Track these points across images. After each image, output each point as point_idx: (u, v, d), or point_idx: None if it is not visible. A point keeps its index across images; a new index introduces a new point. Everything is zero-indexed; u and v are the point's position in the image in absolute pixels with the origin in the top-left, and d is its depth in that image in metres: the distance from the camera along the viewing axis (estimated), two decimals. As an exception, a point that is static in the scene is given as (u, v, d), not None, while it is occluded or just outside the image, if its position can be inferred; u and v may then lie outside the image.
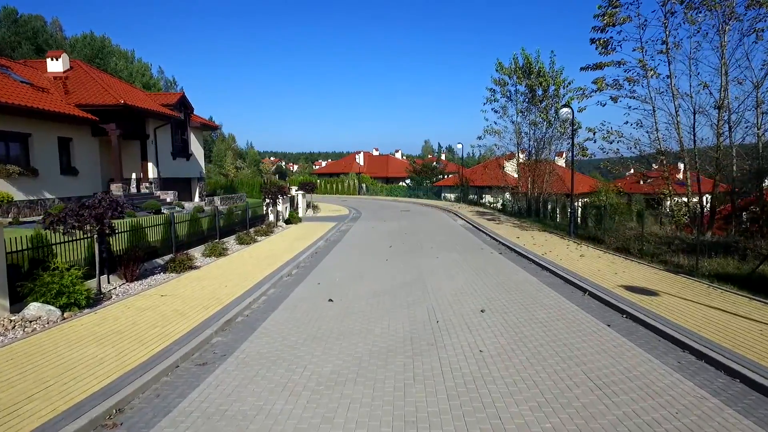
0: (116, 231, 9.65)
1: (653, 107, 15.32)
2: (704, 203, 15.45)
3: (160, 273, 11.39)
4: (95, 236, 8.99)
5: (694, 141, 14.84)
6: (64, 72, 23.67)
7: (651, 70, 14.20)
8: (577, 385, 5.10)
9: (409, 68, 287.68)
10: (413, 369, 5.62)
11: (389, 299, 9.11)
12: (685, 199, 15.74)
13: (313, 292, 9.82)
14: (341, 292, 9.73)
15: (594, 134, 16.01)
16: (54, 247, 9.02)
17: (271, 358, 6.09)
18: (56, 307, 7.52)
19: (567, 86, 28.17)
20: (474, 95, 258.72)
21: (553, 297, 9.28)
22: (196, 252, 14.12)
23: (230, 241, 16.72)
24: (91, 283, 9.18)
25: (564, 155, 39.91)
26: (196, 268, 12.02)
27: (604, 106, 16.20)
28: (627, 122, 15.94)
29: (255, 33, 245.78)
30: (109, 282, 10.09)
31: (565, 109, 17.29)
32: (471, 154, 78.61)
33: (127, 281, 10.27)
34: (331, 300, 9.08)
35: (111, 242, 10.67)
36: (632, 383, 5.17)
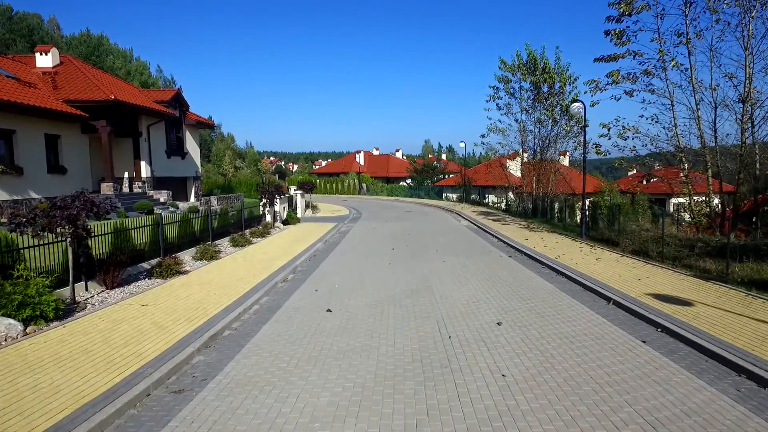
0: (92, 233, 8.78)
1: (671, 101, 14.45)
2: (724, 204, 14.56)
3: (144, 278, 10.52)
4: (68, 239, 8.12)
5: (716, 137, 13.97)
6: (54, 67, 22.78)
7: (672, 60, 13.32)
8: (626, 424, 4.23)
9: (409, 68, 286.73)
10: (426, 400, 4.75)
11: (394, 309, 8.24)
12: (703, 199, 14.86)
13: (310, 301, 8.95)
14: (341, 301, 8.86)
15: (609, 130, 15.14)
16: (24, 251, 8.18)
17: (258, 384, 5.22)
18: (18, 320, 6.65)
19: (573, 82, 27.37)
20: (475, 95, 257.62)
21: (575, 306, 8.41)
22: (186, 255, 13.26)
23: (224, 243, 15.85)
24: (65, 291, 8.33)
25: (567, 154, 39.06)
26: (184, 273, 11.15)
27: (618, 100, 15.31)
28: (642, 116, 15.11)
29: (255, 33, 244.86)
30: (87, 289, 9.22)
31: (576, 104, 16.41)
32: (471, 154, 77.61)
33: (107, 288, 9.39)
34: (329, 310, 8.21)
35: (91, 245, 9.82)
36: (691, 419, 4.30)
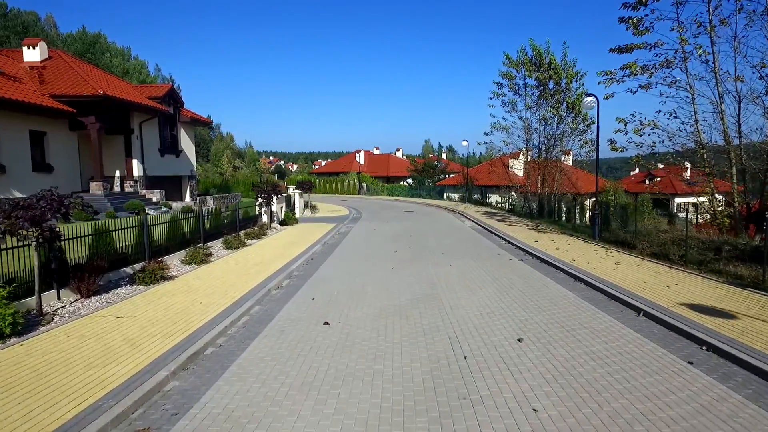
0: (63, 236, 7.88)
1: (692, 95, 13.56)
2: (749, 204, 13.64)
3: (126, 285, 9.64)
4: (33, 243, 7.23)
5: (740, 132, 13.09)
6: (42, 61, 21.88)
7: (699, 48, 12.44)
8: (702, 483, 3.35)
9: (410, 68, 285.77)
10: (444, 445, 3.87)
11: (399, 322, 7.36)
12: (724, 198, 13.98)
13: (306, 311, 8.07)
14: (340, 311, 7.98)
15: (625, 125, 14.24)
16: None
17: (240, 421, 4.33)
18: (-34, 338, 5.78)
19: (580, 79, 26.56)
20: (475, 95, 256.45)
21: (601, 318, 7.53)
22: (175, 259, 12.38)
23: (216, 245, 14.98)
24: (32, 301, 7.45)
25: (570, 153, 38.23)
26: (170, 278, 10.26)
27: (635, 93, 14.43)
28: (660, 111, 14.16)
29: (255, 32, 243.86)
30: (59, 298, 8.34)
31: (589, 98, 15.52)
32: (472, 154, 76.64)
33: (81, 297, 8.51)
34: (327, 323, 7.32)
35: (66, 249, 8.95)
36: (780, 476, 3.41)
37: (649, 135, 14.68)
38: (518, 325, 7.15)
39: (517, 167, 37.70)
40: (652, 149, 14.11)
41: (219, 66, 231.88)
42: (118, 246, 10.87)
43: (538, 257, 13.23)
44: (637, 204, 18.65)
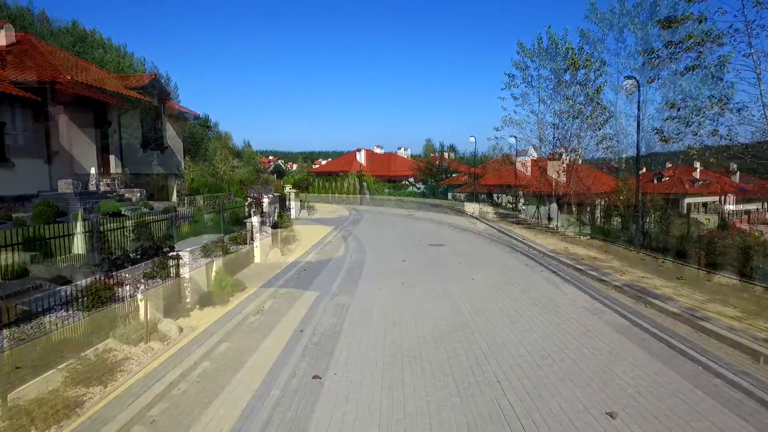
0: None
1: (758, 74, 11.34)
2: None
3: (60, 311, 7.38)
4: None
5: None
6: (8, 46, 19.63)
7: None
8: None
9: (409, 67, 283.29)
10: None
11: (421, 375, 5.11)
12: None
13: (289, 353, 5.82)
14: (336, 354, 5.74)
15: (678, 111, 12.06)
16: None
17: None
18: None
19: (599, 69, 24.41)
20: (476, 95, 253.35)
21: (714, 368, 5.29)
22: (138, 272, 10.13)
23: (195, 253, 12.72)
24: None
25: (580, 151, 35.85)
26: (119, 300, 8.01)
27: (683, 75, 12.21)
28: (712, 95, 11.93)
29: (255, 32, 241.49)
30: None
31: (629, 81, 13.35)
32: (474, 153, 74.03)
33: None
34: (317, 377, 5.08)
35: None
36: None
37: (698, 125, 12.43)
38: (596, 382, 4.91)
39: (530, 165, 35.59)
40: (702, 142, 11.82)
41: (219, 66, 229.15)
42: (58, 257, 8.64)
43: (576, 268, 10.98)
44: (689, 207, 16.38)
